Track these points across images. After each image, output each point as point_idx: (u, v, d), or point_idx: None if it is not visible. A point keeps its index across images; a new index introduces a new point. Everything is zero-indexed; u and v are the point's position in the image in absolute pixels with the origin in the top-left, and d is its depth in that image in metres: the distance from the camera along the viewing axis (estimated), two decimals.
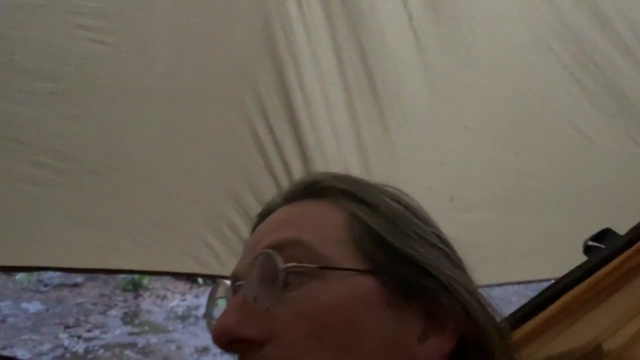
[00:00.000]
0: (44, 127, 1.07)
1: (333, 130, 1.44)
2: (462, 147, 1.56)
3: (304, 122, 1.37)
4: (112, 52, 1.04)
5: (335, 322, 0.46)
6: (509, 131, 1.56)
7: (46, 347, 5.29)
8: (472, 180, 1.54)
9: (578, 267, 1.04)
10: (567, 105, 1.53)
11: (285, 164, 1.33)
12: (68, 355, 5.23)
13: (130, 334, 5.68)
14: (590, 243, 1.11)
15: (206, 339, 5.57)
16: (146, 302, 6.60)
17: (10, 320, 5.88)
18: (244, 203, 1.29)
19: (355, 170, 1.48)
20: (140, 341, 5.48)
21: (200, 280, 7.25)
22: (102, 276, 7.09)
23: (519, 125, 1.56)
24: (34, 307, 6.25)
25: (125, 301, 6.60)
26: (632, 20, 1.43)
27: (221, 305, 0.55)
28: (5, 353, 4.93)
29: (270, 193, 1.35)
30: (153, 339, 5.54)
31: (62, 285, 6.81)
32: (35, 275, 7.02)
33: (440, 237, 0.55)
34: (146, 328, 5.87)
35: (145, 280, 6.98)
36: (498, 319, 0.53)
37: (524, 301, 1.03)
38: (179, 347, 5.37)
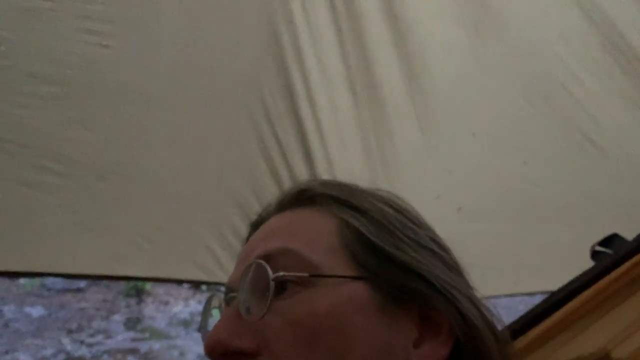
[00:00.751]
0: (49, 131, 1.06)
1: (339, 136, 1.43)
2: (470, 155, 1.54)
3: (310, 127, 1.36)
4: (117, 57, 1.03)
5: (327, 330, 0.46)
6: (518, 140, 1.55)
7: (49, 351, 5.29)
8: (480, 190, 1.53)
9: (585, 272, 1.03)
10: (577, 113, 1.51)
11: (290, 169, 1.32)
12: None
13: (133, 339, 5.67)
14: (598, 248, 1.10)
15: None
16: (149, 308, 6.59)
17: (13, 324, 5.88)
18: (248, 209, 1.29)
19: (361, 177, 1.47)
20: (143, 347, 5.47)
21: (203, 286, 7.25)
22: (105, 281, 7.10)
23: (528, 134, 1.55)
24: (37, 311, 6.25)
25: (128, 307, 6.59)
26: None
27: (216, 316, 0.54)
28: (8, 358, 4.93)
29: (274, 197, 1.34)
30: (156, 345, 5.53)
31: (65, 290, 6.81)
32: (38, 280, 7.03)
33: (434, 240, 0.55)
34: (149, 334, 5.85)
35: (148, 286, 6.97)
36: (498, 324, 0.52)
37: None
38: (181, 354, 5.36)
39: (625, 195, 1.59)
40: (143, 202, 1.13)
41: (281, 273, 0.47)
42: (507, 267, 1.56)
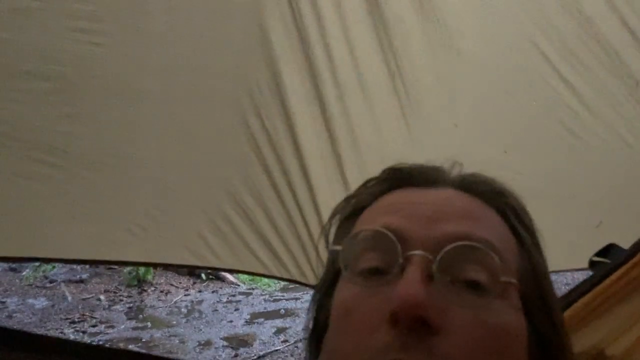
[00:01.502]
0: (42, 125, 1.10)
1: (327, 130, 1.47)
2: (452, 145, 1.58)
3: (298, 120, 1.40)
4: (107, 54, 1.07)
5: (505, 349, 0.46)
6: (498, 129, 1.58)
7: None
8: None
9: (583, 282, 1.06)
10: (557, 104, 1.55)
11: (279, 160, 1.36)
12: None
13: (135, 328, 5.75)
14: (595, 259, 1.13)
15: (208, 333, 5.64)
16: (150, 298, 6.66)
17: (16, 316, 5.96)
18: (238, 197, 1.33)
19: (349, 166, 1.51)
20: (145, 336, 5.55)
21: (203, 275, 7.32)
22: (107, 272, 7.16)
23: (508, 124, 1.58)
24: (39, 303, 6.33)
25: (129, 296, 6.66)
26: (618, 18, 1.45)
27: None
28: None
29: (264, 187, 1.39)
30: (157, 334, 5.60)
31: (68, 282, 6.88)
32: (41, 271, 7.10)
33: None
34: (150, 323, 5.93)
35: (150, 276, 7.04)
36: None
37: None
38: (182, 342, 5.43)
39: (604, 183, 1.63)
40: (135, 191, 1.17)
41: (507, 278, 0.47)
42: None
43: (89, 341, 5.34)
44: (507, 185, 0.60)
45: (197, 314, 6.21)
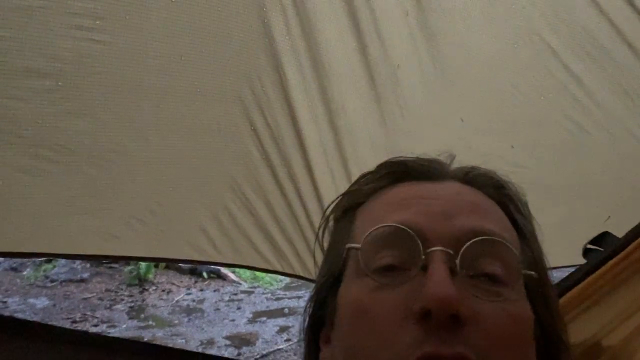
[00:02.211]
0: (43, 122, 1.11)
1: (330, 123, 1.45)
2: (458, 139, 1.57)
3: (301, 114, 1.39)
4: (107, 50, 1.06)
5: (524, 338, 0.49)
6: (506, 124, 1.57)
7: None
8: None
9: (577, 269, 1.06)
10: (564, 98, 1.54)
11: (283, 155, 1.35)
12: None
13: (137, 328, 5.75)
14: (589, 246, 1.13)
15: (211, 332, 5.64)
16: (152, 297, 6.66)
17: (18, 315, 5.95)
18: (241, 192, 1.32)
19: (353, 160, 1.50)
20: (147, 335, 5.54)
21: (204, 274, 7.32)
22: (108, 271, 7.16)
23: (515, 118, 1.57)
24: (41, 302, 6.33)
25: (131, 296, 6.66)
26: (626, 10, 1.43)
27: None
28: None
29: (267, 182, 1.38)
30: (159, 333, 5.60)
31: (69, 281, 6.88)
32: (42, 271, 7.10)
33: None
34: (152, 322, 5.92)
35: (151, 275, 7.04)
36: None
37: None
38: (184, 341, 5.43)
39: (613, 177, 1.62)
40: (136, 187, 1.17)
41: (526, 272, 0.50)
42: None
43: None
44: (505, 177, 0.62)
45: (199, 313, 6.21)
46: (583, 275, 1.05)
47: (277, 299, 6.69)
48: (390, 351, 0.44)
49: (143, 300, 6.56)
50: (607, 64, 1.47)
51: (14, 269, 7.25)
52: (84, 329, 5.67)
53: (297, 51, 1.33)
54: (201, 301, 6.62)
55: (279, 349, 5.21)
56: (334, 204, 0.63)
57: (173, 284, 7.09)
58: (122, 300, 6.53)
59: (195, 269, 7.41)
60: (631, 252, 1.01)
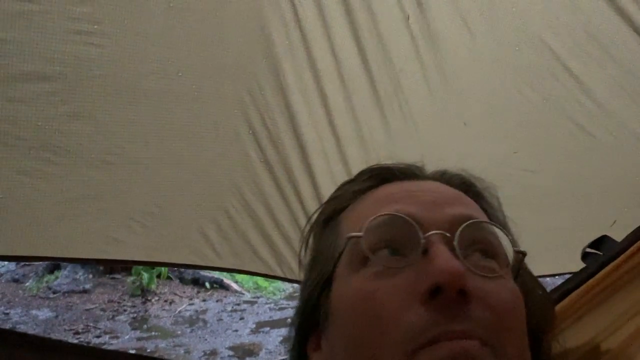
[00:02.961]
0: (44, 125, 1.12)
1: (332, 127, 1.45)
2: (462, 144, 1.56)
3: (301, 118, 1.39)
4: (106, 54, 1.08)
5: (522, 314, 0.50)
6: (509, 127, 1.56)
7: None
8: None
9: (576, 274, 1.06)
10: (567, 100, 1.53)
11: (283, 158, 1.35)
12: None
13: (139, 339, 5.71)
14: (588, 250, 1.12)
15: (214, 342, 5.60)
16: (154, 307, 6.64)
17: (20, 327, 5.93)
18: (240, 195, 1.32)
19: (355, 164, 1.50)
20: (149, 346, 5.51)
21: (207, 284, 7.29)
22: (111, 282, 7.15)
23: (518, 121, 1.56)
24: (43, 314, 6.30)
25: (133, 306, 6.64)
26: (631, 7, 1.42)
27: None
28: None
29: (267, 186, 1.37)
30: (162, 344, 5.57)
31: (71, 292, 6.86)
32: (44, 282, 7.09)
33: None
34: (154, 333, 5.89)
35: (153, 285, 7.02)
36: None
37: None
38: (187, 351, 5.39)
39: (617, 181, 1.60)
40: (136, 189, 1.17)
41: (516, 252, 0.53)
42: None
43: None
44: (472, 175, 0.67)
45: (201, 324, 6.17)
46: (582, 280, 1.05)
47: (281, 308, 6.65)
48: (400, 334, 0.45)
49: (146, 310, 6.53)
50: (609, 66, 1.47)
51: (16, 280, 7.24)
52: (87, 340, 5.65)
53: (297, 55, 1.33)
54: (204, 312, 6.59)
55: (282, 359, 5.18)
56: (318, 212, 0.65)
57: (176, 294, 7.07)
58: (125, 310, 6.50)
59: (197, 280, 7.38)
60: (630, 256, 1.00)
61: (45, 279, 7.20)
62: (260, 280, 7.51)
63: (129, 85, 1.11)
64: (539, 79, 1.51)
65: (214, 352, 5.36)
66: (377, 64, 1.44)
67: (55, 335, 5.69)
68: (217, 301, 6.99)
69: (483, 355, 0.44)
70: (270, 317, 6.40)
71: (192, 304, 6.83)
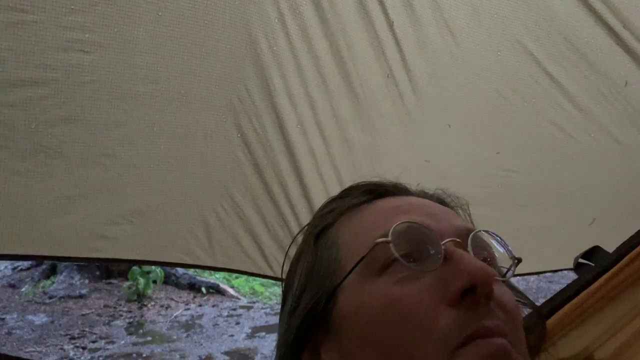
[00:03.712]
0: (37, 128, 1.16)
1: (319, 131, 1.49)
2: (446, 145, 1.60)
3: (289, 122, 1.42)
4: (97, 61, 1.12)
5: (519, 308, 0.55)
6: (491, 129, 1.60)
7: (52, 358, 5.33)
8: (456, 177, 1.59)
9: (569, 285, 1.08)
10: (547, 103, 1.57)
11: (271, 160, 1.38)
12: None
13: (135, 344, 5.71)
14: (581, 260, 1.15)
15: (209, 347, 5.60)
16: (150, 312, 6.64)
17: (16, 332, 5.93)
18: (230, 196, 1.35)
19: (344, 168, 1.53)
20: (145, 351, 5.51)
21: (203, 289, 7.29)
22: (107, 287, 7.14)
23: (501, 124, 1.60)
24: (39, 319, 6.30)
25: (129, 311, 6.64)
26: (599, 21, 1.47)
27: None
28: None
29: (256, 187, 1.41)
30: (157, 349, 5.57)
31: (67, 297, 6.86)
32: (40, 287, 7.08)
33: None
34: (150, 338, 5.90)
35: (149, 291, 7.02)
36: None
37: None
38: (182, 356, 5.40)
39: (596, 180, 1.65)
40: (126, 189, 1.21)
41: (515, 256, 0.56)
42: None
43: (89, 357, 5.31)
44: (447, 193, 0.70)
45: (197, 329, 6.18)
46: (575, 292, 1.07)
47: (276, 313, 6.63)
48: (437, 335, 0.46)
49: (142, 316, 6.53)
50: (587, 69, 1.51)
51: (12, 286, 7.23)
52: (82, 345, 5.64)
53: (283, 61, 1.37)
54: (200, 316, 6.59)
55: None
56: (307, 229, 0.66)
57: (172, 299, 7.07)
58: (121, 316, 6.50)
59: (193, 285, 7.38)
60: (622, 268, 1.03)
61: (41, 284, 7.19)
62: (256, 285, 7.52)
63: (119, 90, 1.15)
64: (520, 83, 1.56)
65: (209, 357, 5.37)
66: (363, 67, 1.48)
67: (51, 341, 5.69)
68: (213, 306, 6.99)
69: (513, 353, 0.46)
70: (266, 322, 6.40)
71: (188, 309, 6.83)
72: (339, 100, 1.46)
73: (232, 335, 5.97)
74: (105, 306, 6.73)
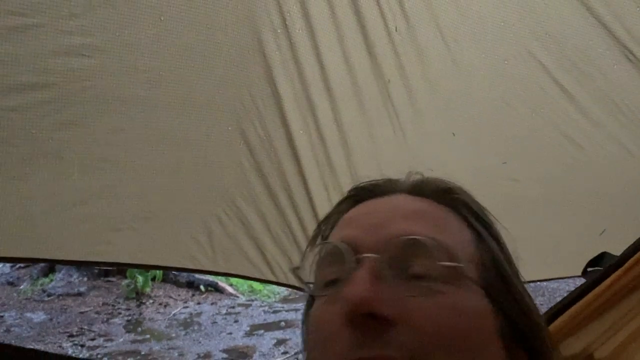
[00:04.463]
0: (37, 133, 1.15)
1: (320, 137, 1.47)
2: (451, 154, 1.58)
3: (294, 127, 1.40)
4: (98, 65, 1.10)
5: (464, 330, 0.47)
6: (498, 138, 1.58)
7: None
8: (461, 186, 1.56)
9: (575, 289, 1.08)
10: (555, 113, 1.55)
11: (275, 165, 1.37)
12: None
13: (133, 341, 5.71)
14: (590, 269, 1.16)
15: (208, 345, 5.60)
16: (149, 310, 6.63)
17: (14, 330, 5.92)
18: (231, 201, 1.34)
19: (345, 175, 1.51)
20: (143, 348, 5.51)
21: (201, 287, 7.29)
22: (105, 285, 7.14)
23: (508, 134, 1.58)
24: (37, 317, 6.29)
25: (128, 309, 6.63)
26: (620, 24, 1.44)
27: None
28: None
29: (259, 191, 1.39)
30: (156, 347, 5.56)
31: (66, 295, 6.85)
32: (39, 285, 7.07)
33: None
34: (149, 336, 5.89)
35: (148, 288, 7.01)
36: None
37: None
38: (181, 354, 5.39)
39: (606, 191, 1.63)
40: (127, 195, 1.20)
41: (443, 262, 0.49)
42: None
43: (87, 354, 5.31)
44: (455, 183, 0.62)
45: (196, 326, 6.17)
46: (581, 295, 1.07)
47: (275, 311, 6.65)
48: (331, 359, 0.47)
49: (140, 313, 6.52)
50: (597, 78, 1.49)
51: (10, 283, 7.22)
52: (81, 343, 5.64)
53: (287, 65, 1.35)
54: (198, 314, 6.58)
55: None
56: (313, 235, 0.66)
57: (170, 297, 7.06)
58: (119, 313, 6.49)
59: (192, 282, 7.38)
60: (627, 270, 1.03)
61: (39, 282, 7.18)
62: (254, 283, 7.52)
63: (120, 95, 1.14)
64: (528, 92, 1.53)
65: (208, 355, 5.37)
66: (366, 74, 1.45)
67: (49, 339, 5.68)
68: (211, 304, 6.99)
69: None
70: (265, 320, 6.39)
71: (187, 307, 6.83)
72: (340, 106, 1.44)
73: (230, 333, 5.97)
74: (104, 304, 6.72)
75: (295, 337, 5.68)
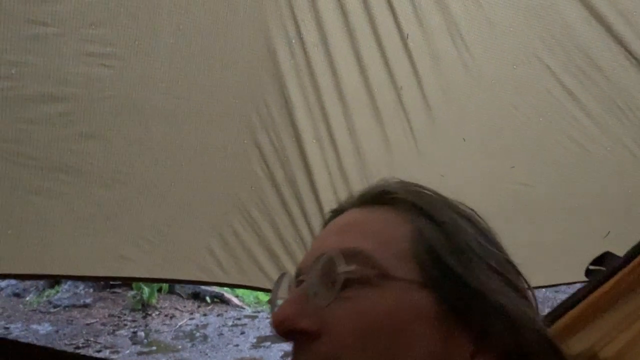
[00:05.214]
0: (56, 145, 1.14)
1: (333, 145, 1.48)
2: (461, 159, 1.60)
3: (306, 136, 1.42)
4: (117, 75, 1.11)
5: (386, 329, 0.49)
6: (506, 143, 1.59)
7: None
8: (471, 191, 1.58)
9: (579, 289, 1.08)
10: (562, 117, 1.56)
11: (288, 175, 1.38)
12: None
13: (140, 353, 5.69)
14: (592, 267, 1.15)
15: (214, 357, 5.57)
16: (155, 322, 6.61)
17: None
18: (247, 213, 1.34)
19: (357, 183, 1.53)
20: None
21: (207, 298, 7.27)
22: (111, 296, 7.12)
23: (516, 138, 1.60)
24: (44, 328, 6.28)
25: (134, 321, 6.61)
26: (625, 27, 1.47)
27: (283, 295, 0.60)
28: None
29: (273, 203, 1.40)
30: (162, 359, 5.54)
31: (72, 306, 6.84)
32: (45, 296, 7.06)
33: (507, 260, 0.57)
34: (155, 347, 5.87)
35: (154, 300, 7.00)
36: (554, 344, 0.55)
37: None
38: None
39: (611, 193, 1.64)
40: (145, 207, 1.20)
41: (350, 268, 0.50)
42: None
43: None
44: (398, 183, 0.63)
45: (202, 338, 6.15)
46: (585, 295, 1.07)
47: None
48: None
49: (146, 325, 6.50)
50: (603, 83, 1.51)
51: (16, 295, 7.21)
52: (87, 354, 5.61)
53: (301, 74, 1.37)
54: (204, 326, 6.56)
55: None
56: None
57: (176, 308, 7.04)
58: (126, 325, 6.48)
59: (198, 294, 7.36)
60: (632, 270, 1.03)
61: (45, 293, 7.17)
62: (261, 295, 7.49)
63: (138, 106, 1.14)
64: (536, 96, 1.55)
65: None
66: (379, 81, 1.48)
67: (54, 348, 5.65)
68: (217, 316, 6.96)
69: None
70: (271, 331, 6.35)
71: (193, 319, 6.80)
72: (354, 114, 1.46)
73: (237, 345, 5.94)
74: (110, 315, 6.71)
75: None
